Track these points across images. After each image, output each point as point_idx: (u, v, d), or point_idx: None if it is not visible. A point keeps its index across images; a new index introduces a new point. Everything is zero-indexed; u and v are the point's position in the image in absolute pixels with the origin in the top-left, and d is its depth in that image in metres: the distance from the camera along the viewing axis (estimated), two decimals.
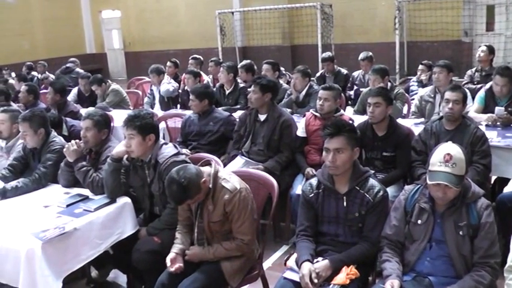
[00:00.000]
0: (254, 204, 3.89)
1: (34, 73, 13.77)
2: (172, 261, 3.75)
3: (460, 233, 3.26)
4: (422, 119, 6.48)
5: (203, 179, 3.67)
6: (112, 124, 5.36)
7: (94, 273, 5.06)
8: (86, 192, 4.53)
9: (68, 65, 13.03)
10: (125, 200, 4.37)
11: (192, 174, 3.61)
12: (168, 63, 10.76)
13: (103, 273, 5.06)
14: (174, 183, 3.58)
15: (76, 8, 23.07)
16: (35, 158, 5.06)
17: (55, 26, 21.30)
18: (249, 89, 6.32)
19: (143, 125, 4.25)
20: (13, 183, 4.70)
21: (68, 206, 4.25)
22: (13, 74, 13.21)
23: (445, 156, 3.23)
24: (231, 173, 3.96)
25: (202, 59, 11.45)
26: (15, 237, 3.75)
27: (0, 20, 19.14)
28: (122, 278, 5.01)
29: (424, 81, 8.53)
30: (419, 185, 3.52)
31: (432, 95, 6.68)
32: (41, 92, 10.49)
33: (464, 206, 3.30)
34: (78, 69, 12.54)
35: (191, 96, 6.45)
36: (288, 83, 8.73)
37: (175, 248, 3.86)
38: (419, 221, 3.39)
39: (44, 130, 4.97)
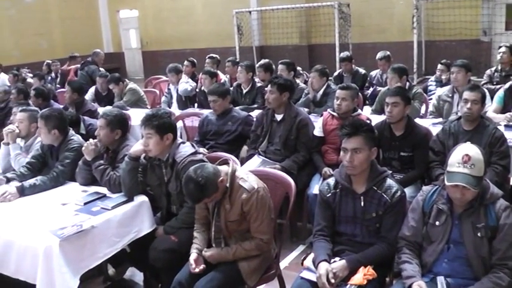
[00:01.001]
0: (272, 203, 3.89)
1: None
2: (196, 262, 3.76)
3: (478, 234, 3.23)
4: (440, 119, 6.45)
5: (220, 178, 3.67)
6: (129, 123, 5.37)
7: (111, 270, 5.08)
8: (103, 190, 4.55)
9: (88, 59, 12.96)
10: (142, 199, 4.38)
11: (209, 173, 3.61)
12: (185, 63, 10.75)
13: (120, 271, 5.09)
14: (191, 181, 3.59)
15: (94, 8, 23.18)
16: (53, 156, 5.09)
17: (73, 25, 21.42)
18: (266, 89, 6.30)
19: (161, 125, 4.26)
20: (31, 181, 4.74)
21: (85, 204, 4.27)
22: (29, 74, 13.28)
23: (464, 157, 3.20)
24: (248, 172, 3.95)
25: (219, 58, 11.43)
26: (33, 235, 3.78)
27: (19, 19, 19.28)
28: (138, 276, 5.03)
29: (444, 80, 8.47)
30: (437, 186, 3.49)
31: (450, 95, 6.64)
32: (59, 90, 10.63)
33: (483, 207, 3.26)
34: (90, 66, 12.41)
35: (212, 97, 6.41)
36: (305, 82, 8.70)
37: (196, 248, 3.88)
38: (437, 223, 3.36)
39: (57, 131, 4.99)
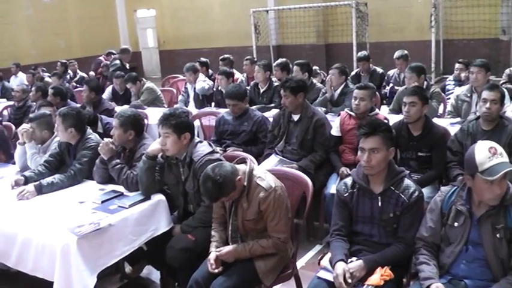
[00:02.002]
0: (289, 202, 3.88)
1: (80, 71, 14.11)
2: (215, 262, 3.76)
3: (497, 235, 3.18)
4: (459, 119, 6.41)
5: (238, 177, 3.68)
6: (145, 122, 5.35)
7: (128, 268, 5.10)
8: (120, 188, 4.57)
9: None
10: (159, 197, 4.39)
11: (227, 172, 3.62)
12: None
13: (137, 269, 5.10)
14: (209, 180, 3.60)
15: (111, 7, 23.29)
16: (71, 154, 5.12)
17: (90, 25, 21.53)
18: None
19: (178, 124, 4.26)
20: (49, 179, 4.77)
21: (102, 202, 4.30)
22: (46, 73, 13.40)
23: (490, 149, 3.12)
24: (266, 172, 3.95)
25: (232, 58, 11.34)
26: (51, 233, 3.81)
27: (37, 19, 19.43)
28: (155, 275, 5.05)
29: (463, 78, 8.41)
30: (455, 187, 3.44)
31: (469, 95, 6.59)
32: (77, 89, 10.72)
33: (502, 208, 3.21)
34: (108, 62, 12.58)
35: (232, 102, 6.37)
36: (323, 81, 8.69)
37: (215, 246, 3.89)
38: (455, 224, 3.31)
39: (74, 130, 5.01)
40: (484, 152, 3.14)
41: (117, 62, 12.14)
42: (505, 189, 3.15)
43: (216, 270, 3.70)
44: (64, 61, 14.79)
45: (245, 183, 3.75)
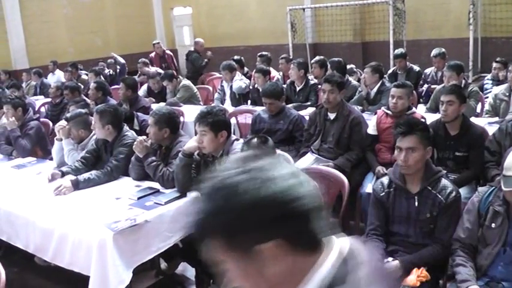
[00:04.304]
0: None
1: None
2: None
3: None
4: (497, 118, 6.31)
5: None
6: (181, 120, 5.35)
7: (163, 265, 5.12)
8: (156, 185, 4.61)
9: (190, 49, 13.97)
10: (195, 195, 4.38)
11: None
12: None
13: (172, 266, 5.12)
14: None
15: (148, 5, 23.41)
16: (107, 151, 5.18)
17: (127, 23, 21.66)
18: (319, 86, 6.25)
19: (216, 122, 4.28)
20: (85, 175, 4.83)
21: (139, 198, 4.34)
22: (83, 71, 13.59)
23: None
24: None
25: (269, 55, 11.30)
26: (88, 228, 3.86)
27: (75, 17, 19.63)
28: (190, 272, 5.07)
29: (501, 77, 8.28)
30: (493, 187, 3.39)
31: (507, 94, 6.50)
32: (113, 87, 10.83)
33: None
34: (192, 55, 13.55)
35: (269, 100, 6.37)
36: (359, 80, 8.64)
37: None
38: (493, 225, 3.27)
39: (111, 127, 5.07)
40: None
41: (195, 54, 13.25)
42: None
43: None
44: (102, 62, 14.94)
45: None
